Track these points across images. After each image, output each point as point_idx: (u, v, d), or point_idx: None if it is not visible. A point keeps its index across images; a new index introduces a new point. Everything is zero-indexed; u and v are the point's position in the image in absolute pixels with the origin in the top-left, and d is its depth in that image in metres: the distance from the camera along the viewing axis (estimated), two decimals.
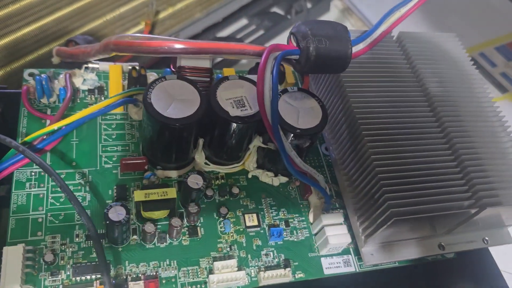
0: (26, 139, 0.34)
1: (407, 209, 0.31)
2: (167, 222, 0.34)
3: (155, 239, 0.33)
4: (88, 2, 0.51)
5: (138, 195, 0.32)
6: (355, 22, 0.74)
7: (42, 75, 0.37)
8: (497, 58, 0.83)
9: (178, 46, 0.34)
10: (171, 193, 0.33)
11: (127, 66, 0.40)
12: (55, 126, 0.34)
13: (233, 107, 0.33)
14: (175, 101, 0.32)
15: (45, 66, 0.40)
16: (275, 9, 0.71)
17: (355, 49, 0.36)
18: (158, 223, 0.34)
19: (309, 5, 0.73)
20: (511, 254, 0.42)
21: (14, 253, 0.30)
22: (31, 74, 0.39)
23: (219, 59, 0.56)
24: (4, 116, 0.39)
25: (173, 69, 0.39)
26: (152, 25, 0.53)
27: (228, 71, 0.43)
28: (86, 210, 0.33)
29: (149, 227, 0.32)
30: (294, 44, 0.35)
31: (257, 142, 0.36)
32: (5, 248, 0.30)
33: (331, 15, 0.75)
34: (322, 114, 0.35)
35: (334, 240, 0.34)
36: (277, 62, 0.32)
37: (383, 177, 0.33)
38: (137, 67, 0.39)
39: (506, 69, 0.82)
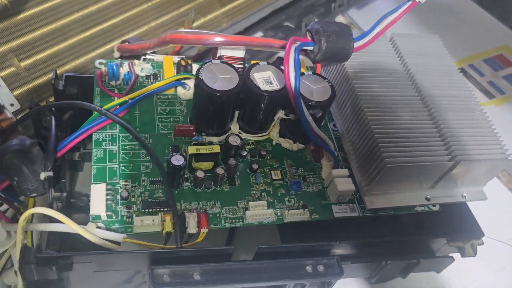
0: (104, 107, 0.44)
1: (398, 159, 0.41)
2: (211, 174, 0.43)
3: (203, 185, 0.43)
4: (136, 12, 0.62)
5: (191, 149, 0.42)
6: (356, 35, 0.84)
7: (112, 62, 0.47)
8: (485, 69, 0.94)
9: (219, 39, 0.45)
10: (216, 148, 0.43)
11: (176, 58, 0.50)
12: (126, 98, 0.44)
13: (263, 84, 0.43)
14: (219, 79, 0.42)
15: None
16: (287, 23, 0.83)
17: (356, 44, 0.47)
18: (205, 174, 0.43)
19: (316, 20, 0.84)
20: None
21: (99, 189, 0.40)
22: (101, 63, 0.49)
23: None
24: (79, 96, 0.49)
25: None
26: None
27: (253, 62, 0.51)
28: (150, 163, 0.43)
29: (200, 173, 0.41)
30: (309, 38, 0.45)
31: (280, 114, 0.46)
32: (92, 185, 0.40)
33: None
34: (331, 92, 0.45)
35: (341, 187, 0.43)
36: (298, 49, 0.42)
37: (380, 137, 0.42)
38: (185, 58, 0.49)
39: (493, 78, 0.92)
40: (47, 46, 0.56)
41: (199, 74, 0.42)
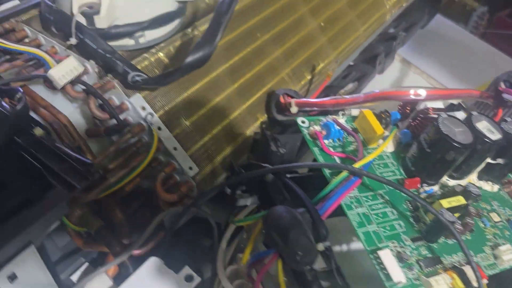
0: (356, 165, 0.43)
1: None
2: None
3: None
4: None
5: (444, 203, 0.43)
6: (415, 70, 0.91)
7: (326, 120, 0.47)
8: None
9: (426, 93, 0.47)
10: (462, 200, 0.44)
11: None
12: (370, 158, 0.44)
13: (489, 133, 0.46)
14: (457, 132, 0.44)
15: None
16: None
17: None
18: None
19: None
20: None
21: (386, 255, 0.39)
22: (303, 121, 0.48)
23: None
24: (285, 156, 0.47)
25: (400, 111, 0.51)
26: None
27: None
28: (399, 221, 0.44)
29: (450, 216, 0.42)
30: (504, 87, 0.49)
31: (488, 159, 0.49)
32: (380, 252, 0.39)
33: (395, 65, 0.91)
34: None
35: None
36: None
37: None
38: (384, 112, 0.50)
39: None
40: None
41: (442, 130, 0.44)
